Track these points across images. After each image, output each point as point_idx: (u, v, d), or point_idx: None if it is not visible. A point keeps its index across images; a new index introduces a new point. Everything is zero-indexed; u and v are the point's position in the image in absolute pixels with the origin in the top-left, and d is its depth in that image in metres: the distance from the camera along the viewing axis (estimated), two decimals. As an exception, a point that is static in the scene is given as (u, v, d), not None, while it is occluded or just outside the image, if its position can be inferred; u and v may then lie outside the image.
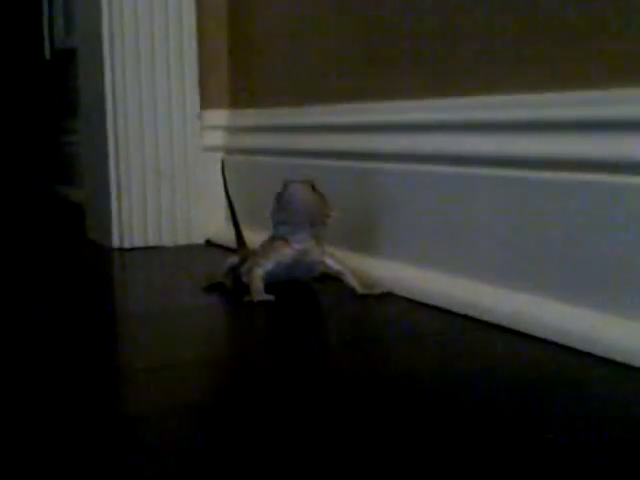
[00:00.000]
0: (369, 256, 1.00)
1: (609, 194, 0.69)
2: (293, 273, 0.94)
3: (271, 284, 0.92)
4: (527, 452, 0.49)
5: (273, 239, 0.93)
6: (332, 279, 0.95)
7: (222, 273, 1.00)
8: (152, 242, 1.35)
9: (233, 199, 1.09)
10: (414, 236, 0.93)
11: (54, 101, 2.60)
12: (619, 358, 0.65)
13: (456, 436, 0.52)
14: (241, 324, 0.88)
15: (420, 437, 0.52)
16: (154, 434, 0.54)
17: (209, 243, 1.37)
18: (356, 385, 0.63)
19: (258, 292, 0.90)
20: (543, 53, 0.78)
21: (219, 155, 1.35)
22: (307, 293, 0.95)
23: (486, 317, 0.78)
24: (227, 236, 1.20)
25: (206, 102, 1.39)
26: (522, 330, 0.74)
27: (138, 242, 1.34)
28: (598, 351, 0.67)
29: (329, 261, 0.93)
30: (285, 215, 0.91)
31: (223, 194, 1.11)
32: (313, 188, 0.91)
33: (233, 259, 1.02)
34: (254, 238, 1.03)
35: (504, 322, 0.76)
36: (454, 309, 0.83)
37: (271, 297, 0.90)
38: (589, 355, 0.67)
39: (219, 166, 1.12)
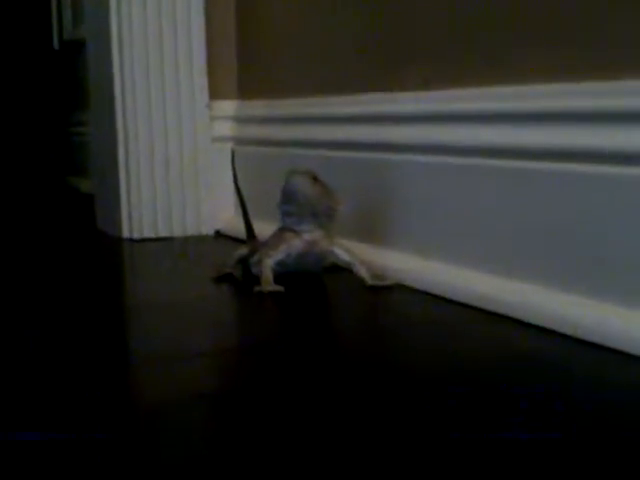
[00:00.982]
0: (378, 247, 1.00)
1: (618, 185, 0.69)
2: (303, 264, 0.94)
3: (281, 275, 0.92)
4: (537, 442, 0.49)
5: (282, 230, 0.94)
6: (342, 270, 0.95)
7: (232, 264, 1.01)
8: (162, 233, 1.35)
9: (242, 190, 1.09)
10: (423, 227, 0.93)
11: (63, 92, 2.61)
12: (626, 348, 0.65)
13: (464, 420, 0.52)
14: (251, 314, 0.88)
15: (432, 422, 0.52)
16: (166, 423, 0.55)
17: (219, 234, 1.37)
18: (367, 374, 0.63)
19: (268, 283, 0.91)
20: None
21: (228, 146, 1.35)
22: (317, 284, 0.95)
23: (494, 307, 0.78)
24: (237, 227, 1.20)
25: (215, 92, 1.38)
26: (529, 320, 0.74)
27: (148, 233, 1.35)
28: (606, 341, 0.67)
29: (338, 252, 0.94)
30: (288, 206, 0.91)
31: (232, 185, 1.11)
32: (315, 179, 0.91)
33: (243, 250, 1.02)
34: (264, 229, 1.03)
35: (512, 313, 0.76)
36: (462, 300, 0.83)
37: (281, 288, 0.90)
38: (595, 345, 0.67)
39: (229, 157, 1.12)
